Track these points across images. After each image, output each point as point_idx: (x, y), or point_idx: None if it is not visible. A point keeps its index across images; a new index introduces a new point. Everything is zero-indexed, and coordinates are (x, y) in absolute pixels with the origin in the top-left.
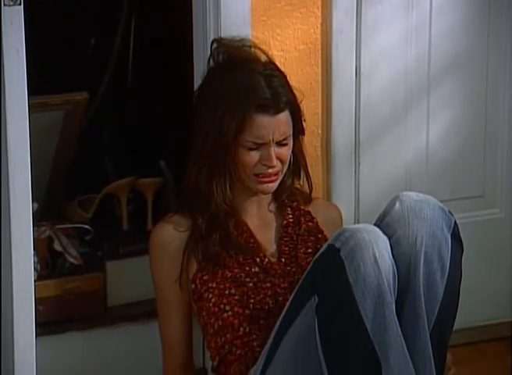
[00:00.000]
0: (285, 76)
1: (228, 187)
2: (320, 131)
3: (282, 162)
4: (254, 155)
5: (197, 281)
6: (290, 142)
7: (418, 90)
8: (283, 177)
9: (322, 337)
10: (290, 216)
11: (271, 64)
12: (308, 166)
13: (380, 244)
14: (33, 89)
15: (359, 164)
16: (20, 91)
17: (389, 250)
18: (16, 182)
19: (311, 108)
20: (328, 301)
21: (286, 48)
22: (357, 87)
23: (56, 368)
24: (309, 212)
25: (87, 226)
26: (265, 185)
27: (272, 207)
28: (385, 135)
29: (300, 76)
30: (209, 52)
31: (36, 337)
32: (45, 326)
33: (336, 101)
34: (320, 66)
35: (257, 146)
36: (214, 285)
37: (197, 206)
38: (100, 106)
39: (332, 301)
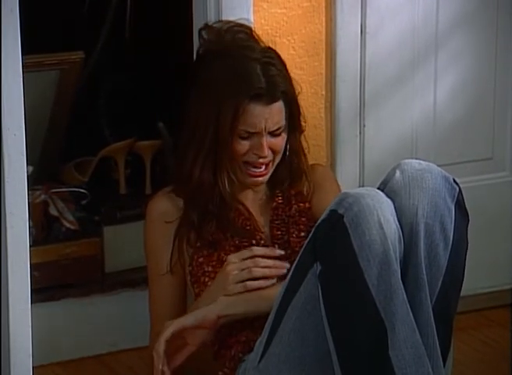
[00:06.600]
0: (284, 66)
1: (227, 181)
2: (324, 92)
3: (274, 152)
4: (246, 144)
5: (194, 263)
6: (284, 133)
7: (425, 49)
8: (278, 170)
9: (327, 306)
10: (280, 198)
11: (270, 51)
12: (312, 127)
13: (385, 209)
14: (28, 48)
15: (364, 126)
16: (14, 50)
17: (394, 213)
18: (10, 144)
19: (314, 68)
20: (332, 269)
21: (289, 5)
22: (362, 46)
23: (52, 335)
24: (301, 191)
25: (83, 190)
26: (255, 179)
27: (266, 193)
28: (390, 96)
29: (303, 35)
30: (209, 5)
31: (31, 303)
32: (41, 292)
33: (340, 61)
34: (324, 25)
35: (249, 135)
36: (210, 269)
37: (196, 198)
38: (96, 66)
39: (336, 269)
